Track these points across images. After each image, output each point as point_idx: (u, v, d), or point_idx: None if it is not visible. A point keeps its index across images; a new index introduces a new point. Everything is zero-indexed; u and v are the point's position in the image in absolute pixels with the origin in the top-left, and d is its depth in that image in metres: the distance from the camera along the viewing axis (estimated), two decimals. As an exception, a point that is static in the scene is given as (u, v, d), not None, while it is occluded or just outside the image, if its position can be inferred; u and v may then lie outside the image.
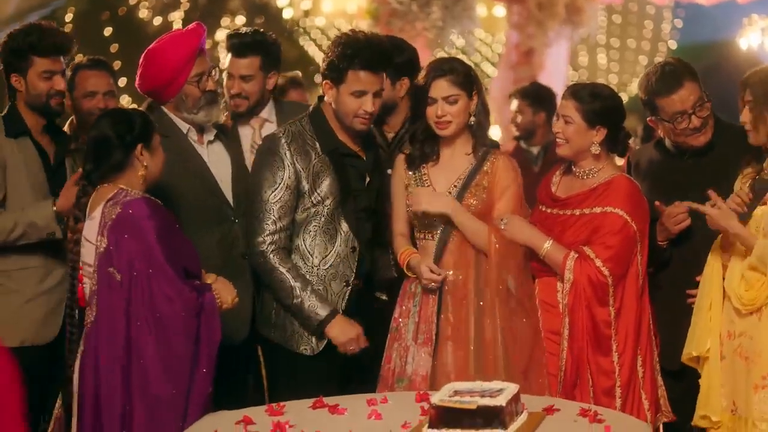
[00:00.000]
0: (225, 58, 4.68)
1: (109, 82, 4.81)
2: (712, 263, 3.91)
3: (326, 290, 4.05)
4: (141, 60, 4.27)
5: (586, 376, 3.95)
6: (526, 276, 4.07)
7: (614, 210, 3.97)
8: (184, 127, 4.24)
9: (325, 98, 4.06)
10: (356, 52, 3.94)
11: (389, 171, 4.27)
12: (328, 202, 4.04)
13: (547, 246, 4.00)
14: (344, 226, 4.06)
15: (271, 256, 4.00)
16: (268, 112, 4.68)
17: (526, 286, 4.06)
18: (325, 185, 4.03)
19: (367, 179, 4.14)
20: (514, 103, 7.00)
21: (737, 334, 3.78)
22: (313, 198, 4.03)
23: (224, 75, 4.69)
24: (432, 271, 4.00)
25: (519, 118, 6.91)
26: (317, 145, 4.05)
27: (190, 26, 4.33)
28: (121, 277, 3.50)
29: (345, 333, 4.02)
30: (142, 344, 3.49)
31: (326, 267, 4.05)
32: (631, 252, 3.99)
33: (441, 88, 4.03)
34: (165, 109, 4.25)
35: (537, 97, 6.98)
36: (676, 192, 4.11)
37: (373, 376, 4.14)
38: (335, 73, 3.98)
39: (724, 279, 3.85)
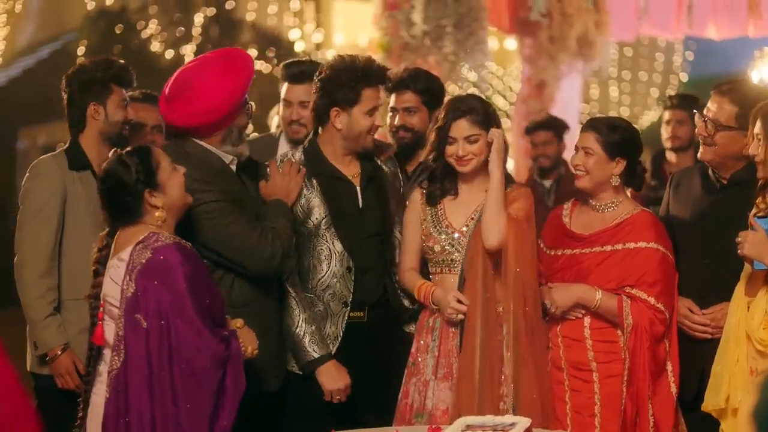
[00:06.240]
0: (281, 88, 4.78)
1: (157, 117, 4.82)
2: (737, 311, 3.80)
3: (326, 310, 4.04)
4: (185, 95, 3.81)
5: (646, 416, 3.91)
6: (537, 302, 3.99)
7: (648, 245, 3.96)
8: (227, 158, 3.91)
9: (336, 124, 4.04)
10: (367, 71, 4.01)
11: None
12: (320, 223, 4.04)
13: (599, 297, 3.95)
14: (338, 246, 4.05)
15: (287, 282, 4.02)
16: None
17: (538, 312, 3.99)
18: (315, 207, 4.05)
19: (360, 202, 4.12)
20: (540, 135, 6.96)
21: (759, 371, 3.72)
22: (305, 220, 4.04)
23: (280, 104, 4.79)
24: (459, 301, 3.95)
25: (549, 150, 6.87)
26: (307, 170, 4.08)
27: (233, 53, 3.98)
28: (147, 325, 3.37)
29: (333, 381, 4.00)
30: (168, 394, 3.36)
31: (323, 288, 4.04)
32: (674, 281, 3.99)
33: (462, 128, 4.01)
34: (201, 142, 3.88)
35: (560, 128, 6.97)
36: (703, 221, 4.09)
37: (385, 409, 4.08)
38: (349, 95, 4.00)
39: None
